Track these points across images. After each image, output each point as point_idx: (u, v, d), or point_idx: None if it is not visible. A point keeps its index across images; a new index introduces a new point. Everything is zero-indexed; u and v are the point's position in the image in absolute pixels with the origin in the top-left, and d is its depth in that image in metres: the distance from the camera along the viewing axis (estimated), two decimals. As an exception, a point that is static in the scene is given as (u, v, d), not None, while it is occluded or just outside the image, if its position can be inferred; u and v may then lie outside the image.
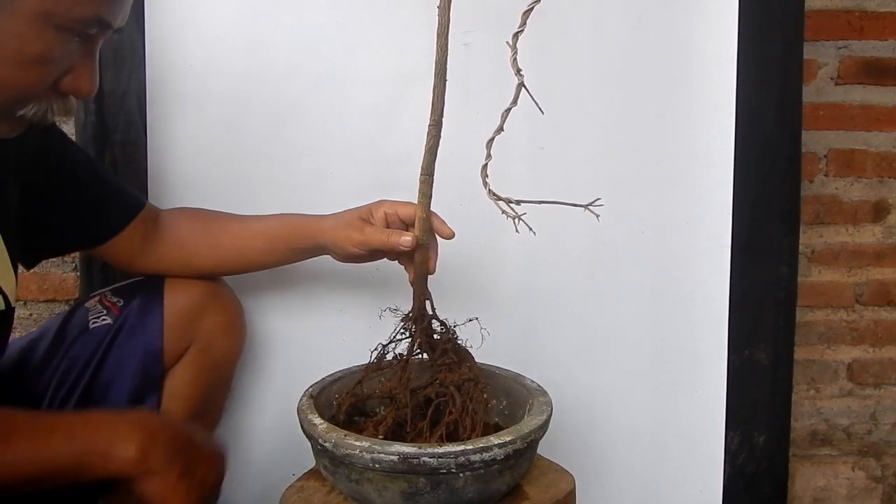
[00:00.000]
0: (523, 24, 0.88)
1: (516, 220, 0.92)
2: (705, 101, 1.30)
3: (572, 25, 1.28)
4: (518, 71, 0.89)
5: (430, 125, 0.89)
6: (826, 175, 1.51)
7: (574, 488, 0.96)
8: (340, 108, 1.27)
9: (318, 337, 1.31)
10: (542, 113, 0.88)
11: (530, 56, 1.26)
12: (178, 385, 1.08)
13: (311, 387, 0.98)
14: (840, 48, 1.48)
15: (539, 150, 1.30)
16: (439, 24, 0.88)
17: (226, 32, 1.25)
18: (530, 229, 0.91)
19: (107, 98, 1.24)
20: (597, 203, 0.93)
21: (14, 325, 1.29)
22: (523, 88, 0.89)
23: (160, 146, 1.27)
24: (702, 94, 1.30)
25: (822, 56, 1.48)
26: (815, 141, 1.49)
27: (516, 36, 0.89)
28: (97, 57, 0.80)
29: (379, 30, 1.26)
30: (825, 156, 1.51)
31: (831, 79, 1.49)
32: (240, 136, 1.26)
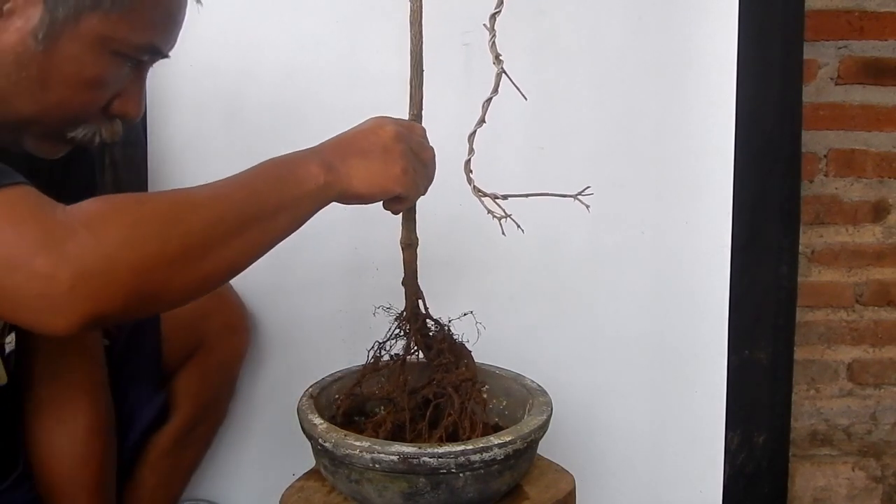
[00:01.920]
0: (500, 4, 0.86)
1: (502, 221, 0.91)
2: (705, 101, 1.30)
3: (572, 25, 1.28)
4: (497, 56, 0.87)
5: (409, 120, 0.89)
6: (826, 175, 1.51)
7: (574, 488, 0.96)
8: (340, 108, 1.26)
9: (318, 337, 1.31)
10: (525, 99, 0.87)
11: (530, 55, 1.26)
12: (186, 385, 1.11)
13: (311, 387, 0.98)
14: (840, 48, 1.48)
15: (538, 150, 1.30)
16: (411, 11, 0.86)
17: (225, 32, 1.25)
18: (518, 226, 0.91)
19: (107, 98, 1.24)
20: (586, 192, 0.92)
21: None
22: (504, 75, 0.87)
23: (160, 146, 1.27)
24: (702, 94, 1.30)
25: (822, 56, 1.48)
26: (815, 141, 1.49)
27: (493, 17, 0.87)
28: (145, 81, 0.83)
29: (379, 29, 1.26)
30: (825, 156, 1.51)
31: (831, 79, 1.49)
32: (240, 136, 1.26)
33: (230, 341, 1.17)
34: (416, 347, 0.95)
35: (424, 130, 0.88)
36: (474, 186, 0.93)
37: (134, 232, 0.64)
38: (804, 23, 1.34)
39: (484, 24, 0.87)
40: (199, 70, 1.25)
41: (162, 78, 1.25)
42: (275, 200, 0.74)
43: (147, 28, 0.77)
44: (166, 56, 0.82)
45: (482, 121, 0.91)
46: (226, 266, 0.71)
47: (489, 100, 0.90)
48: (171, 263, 0.65)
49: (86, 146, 0.81)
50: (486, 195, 0.92)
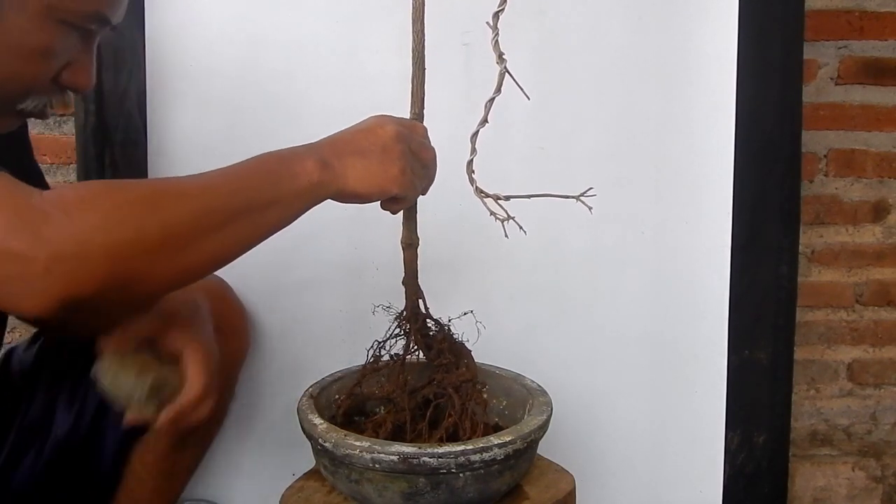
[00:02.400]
0: (503, 2, 0.86)
1: (504, 223, 0.90)
2: (705, 101, 1.30)
3: (572, 25, 1.28)
4: (501, 55, 0.86)
5: (411, 118, 0.89)
6: (826, 175, 1.51)
7: (574, 488, 0.96)
8: (340, 108, 1.26)
9: (318, 337, 1.31)
10: (529, 99, 0.86)
11: (530, 55, 1.26)
12: None
13: (311, 387, 0.98)
14: (840, 48, 1.48)
15: (539, 150, 1.30)
16: (413, 9, 0.86)
17: (226, 32, 1.25)
18: (521, 228, 0.91)
19: (107, 98, 1.24)
20: (589, 193, 0.91)
21: (15, 325, 1.30)
22: (507, 75, 0.86)
23: (160, 146, 1.27)
24: (702, 94, 1.30)
25: (822, 56, 1.48)
26: (815, 141, 1.49)
27: (497, 16, 0.86)
28: (95, 52, 0.82)
29: (379, 29, 1.26)
30: (825, 156, 1.51)
31: (831, 79, 1.49)
32: (240, 136, 1.26)
33: (230, 343, 1.16)
34: (416, 347, 0.95)
35: (426, 130, 0.87)
36: (476, 187, 0.92)
37: (110, 216, 0.63)
38: (804, 23, 1.34)
39: (487, 23, 0.86)
40: (199, 70, 1.25)
41: (162, 77, 1.26)
42: (266, 195, 0.73)
43: None
44: (114, 27, 0.82)
45: (485, 121, 0.91)
46: (209, 257, 0.70)
47: (492, 100, 0.89)
48: (149, 250, 0.65)
49: (37, 118, 0.81)
50: (488, 196, 0.91)
